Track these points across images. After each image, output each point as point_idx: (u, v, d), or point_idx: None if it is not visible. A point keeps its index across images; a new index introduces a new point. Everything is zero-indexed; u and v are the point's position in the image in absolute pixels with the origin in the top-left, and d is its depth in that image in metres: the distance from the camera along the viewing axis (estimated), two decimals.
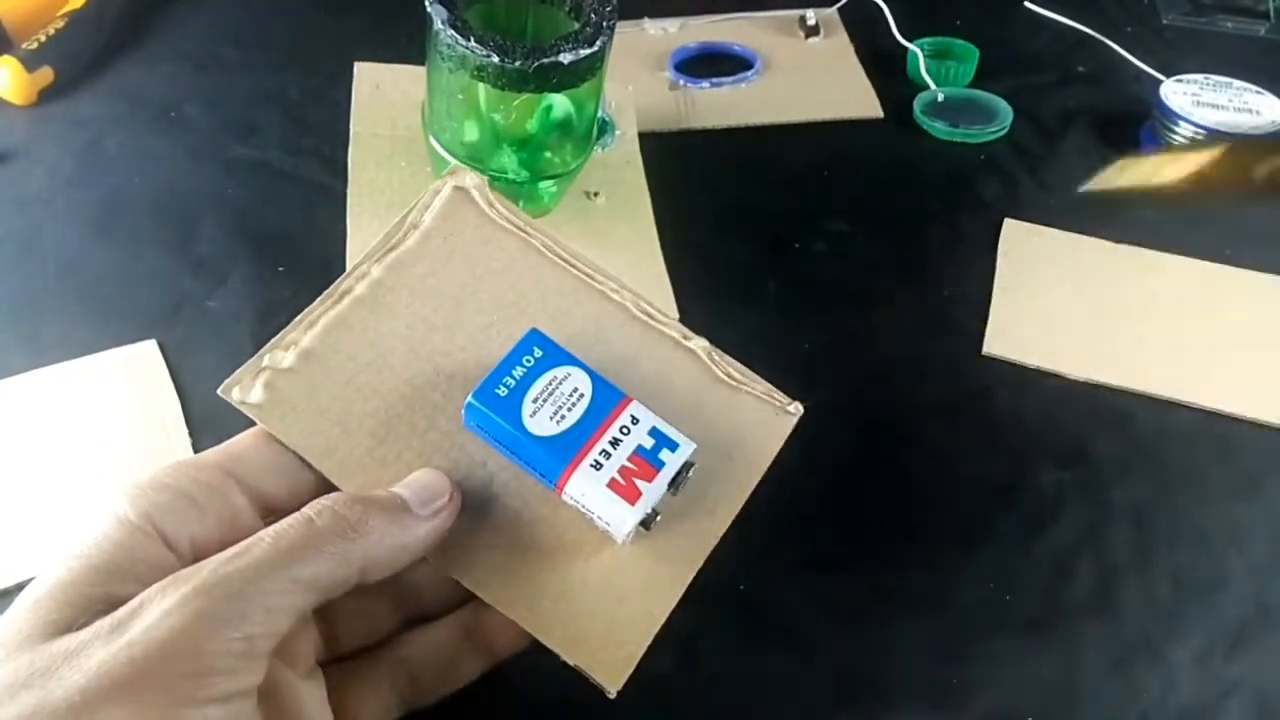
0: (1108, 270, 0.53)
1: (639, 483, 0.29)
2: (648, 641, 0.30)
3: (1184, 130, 0.59)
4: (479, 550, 0.30)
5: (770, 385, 0.35)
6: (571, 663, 0.29)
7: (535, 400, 0.30)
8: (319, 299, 0.33)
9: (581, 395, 0.31)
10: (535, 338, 0.31)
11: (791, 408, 0.34)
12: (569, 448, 0.30)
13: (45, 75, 0.62)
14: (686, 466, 0.30)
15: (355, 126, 0.56)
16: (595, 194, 0.54)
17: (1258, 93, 0.61)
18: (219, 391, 0.31)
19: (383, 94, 0.58)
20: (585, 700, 0.29)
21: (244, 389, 0.31)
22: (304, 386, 0.31)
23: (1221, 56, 0.68)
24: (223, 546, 0.26)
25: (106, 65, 0.64)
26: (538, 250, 0.35)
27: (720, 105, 0.63)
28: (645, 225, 0.53)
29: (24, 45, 0.62)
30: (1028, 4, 0.75)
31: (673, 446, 0.30)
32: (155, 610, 0.24)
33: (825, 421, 0.41)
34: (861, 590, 0.36)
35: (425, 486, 0.30)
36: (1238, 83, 0.62)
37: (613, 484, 0.29)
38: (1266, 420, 0.46)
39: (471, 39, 0.43)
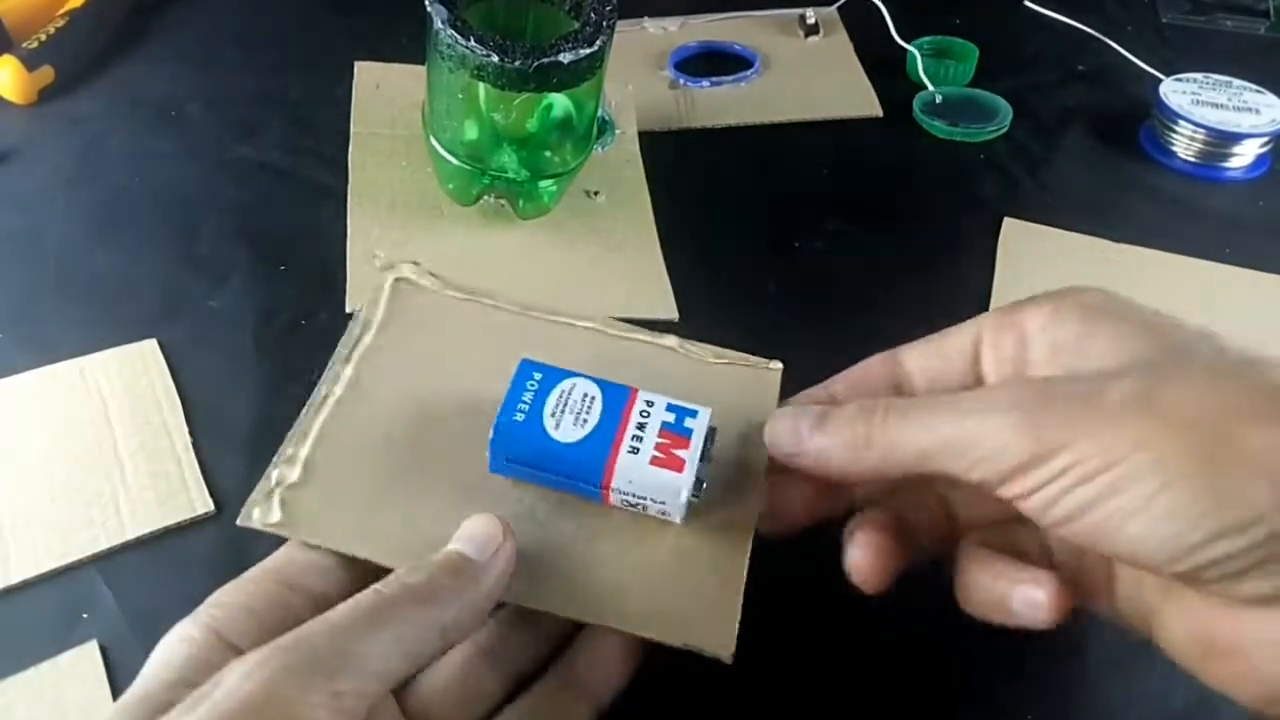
0: (1107, 269, 0.53)
1: (677, 452, 0.31)
2: (739, 603, 0.31)
3: (1184, 129, 0.59)
4: (550, 579, 0.31)
5: (743, 353, 0.37)
6: (680, 645, 0.30)
7: (553, 414, 0.31)
8: (303, 412, 0.34)
9: (593, 398, 0.32)
10: (529, 365, 0.33)
11: (772, 365, 0.37)
12: (602, 443, 0.31)
13: (46, 74, 0.62)
14: (711, 431, 0.32)
15: (355, 126, 0.56)
16: (595, 193, 0.54)
17: (1258, 92, 0.61)
18: (239, 523, 0.31)
19: (383, 93, 0.58)
20: None
21: (263, 511, 0.31)
22: (318, 491, 0.32)
23: (1221, 55, 0.68)
24: None
25: (107, 64, 0.64)
26: (492, 307, 0.38)
27: (720, 104, 0.63)
28: (645, 224, 0.53)
29: (24, 44, 0.62)
30: (1027, 3, 0.75)
31: (692, 414, 0.32)
32: (235, 674, 0.24)
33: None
34: (861, 591, 0.37)
35: (478, 532, 0.30)
36: (1238, 82, 0.62)
37: (655, 460, 0.31)
38: None
39: (471, 39, 0.43)
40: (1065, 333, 0.28)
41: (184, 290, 0.49)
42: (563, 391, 0.32)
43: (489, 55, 0.43)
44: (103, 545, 0.38)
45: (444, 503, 0.32)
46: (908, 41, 0.67)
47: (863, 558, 0.31)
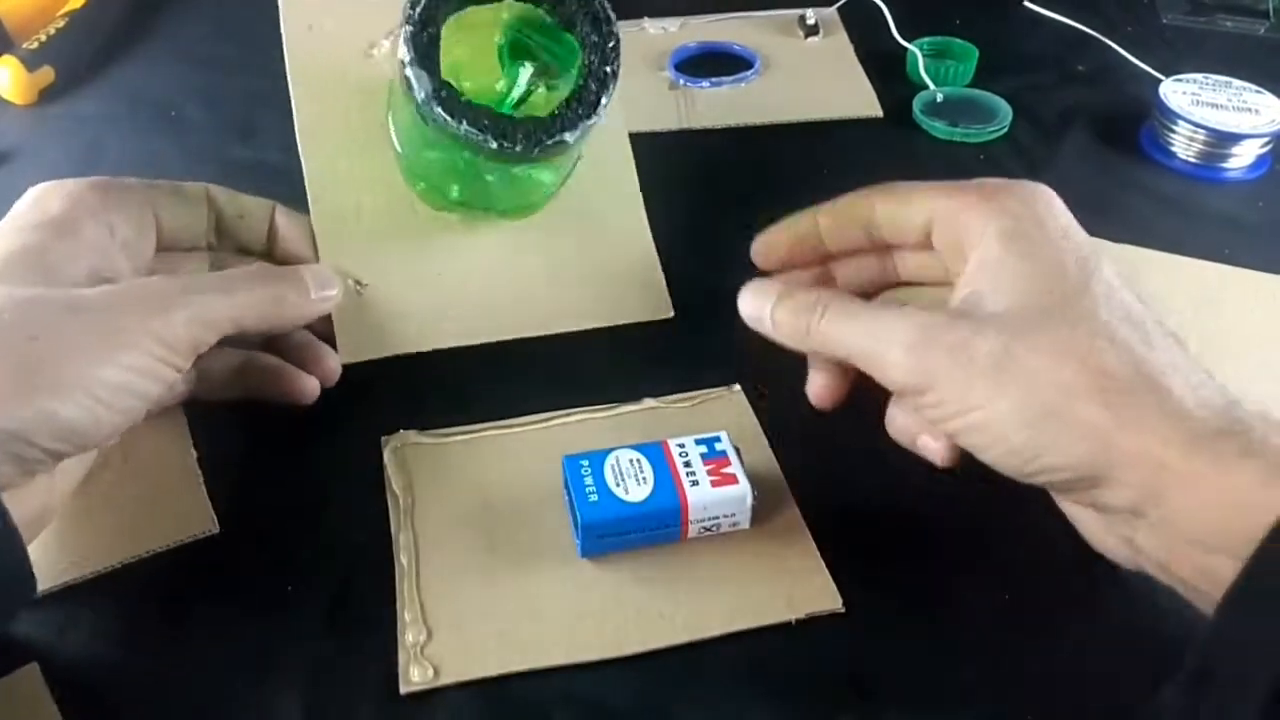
0: None
1: (726, 471, 0.37)
2: (823, 566, 0.37)
3: (1184, 130, 0.59)
4: (675, 607, 0.36)
5: (705, 389, 0.44)
6: (797, 618, 0.35)
7: (618, 485, 0.37)
8: (397, 582, 0.37)
9: (638, 459, 0.37)
10: (572, 460, 0.38)
11: (733, 388, 0.45)
12: (668, 489, 0.36)
13: (45, 75, 0.62)
14: (737, 450, 0.38)
15: (297, 92, 0.47)
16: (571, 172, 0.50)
17: (1257, 92, 0.61)
18: (403, 691, 0.34)
19: (318, 35, 0.47)
20: None
21: (420, 671, 0.34)
22: (447, 638, 0.35)
23: (1221, 56, 0.68)
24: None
25: (107, 65, 0.64)
26: (492, 434, 0.42)
27: (720, 105, 0.63)
28: (637, 221, 0.51)
29: (24, 45, 0.62)
30: (1027, 3, 0.75)
31: (716, 439, 0.38)
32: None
33: (826, 420, 0.41)
34: (861, 586, 0.37)
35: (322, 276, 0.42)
36: (1237, 82, 0.62)
37: (715, 483, 0.37)
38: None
39: (464, 122, 0.39)
40: (989, 253, 0.35)
41: None
42: (613, 465, 0.37)
43: (484, 139, 0.40)
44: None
45: (547, 594, 0.36)
46: (908, 42, 0.67)
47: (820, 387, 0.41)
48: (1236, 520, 0.29)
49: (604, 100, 0.41)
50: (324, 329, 0.44)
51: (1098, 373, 0.31)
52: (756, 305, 0.39)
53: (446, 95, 0.39)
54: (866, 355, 0.36)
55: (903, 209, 0.39)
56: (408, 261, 0.46)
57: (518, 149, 0.40)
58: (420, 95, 0.39)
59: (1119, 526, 0.33)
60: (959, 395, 0.33)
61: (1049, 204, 0.36)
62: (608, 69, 0.41)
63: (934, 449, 0.37)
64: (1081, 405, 0.31)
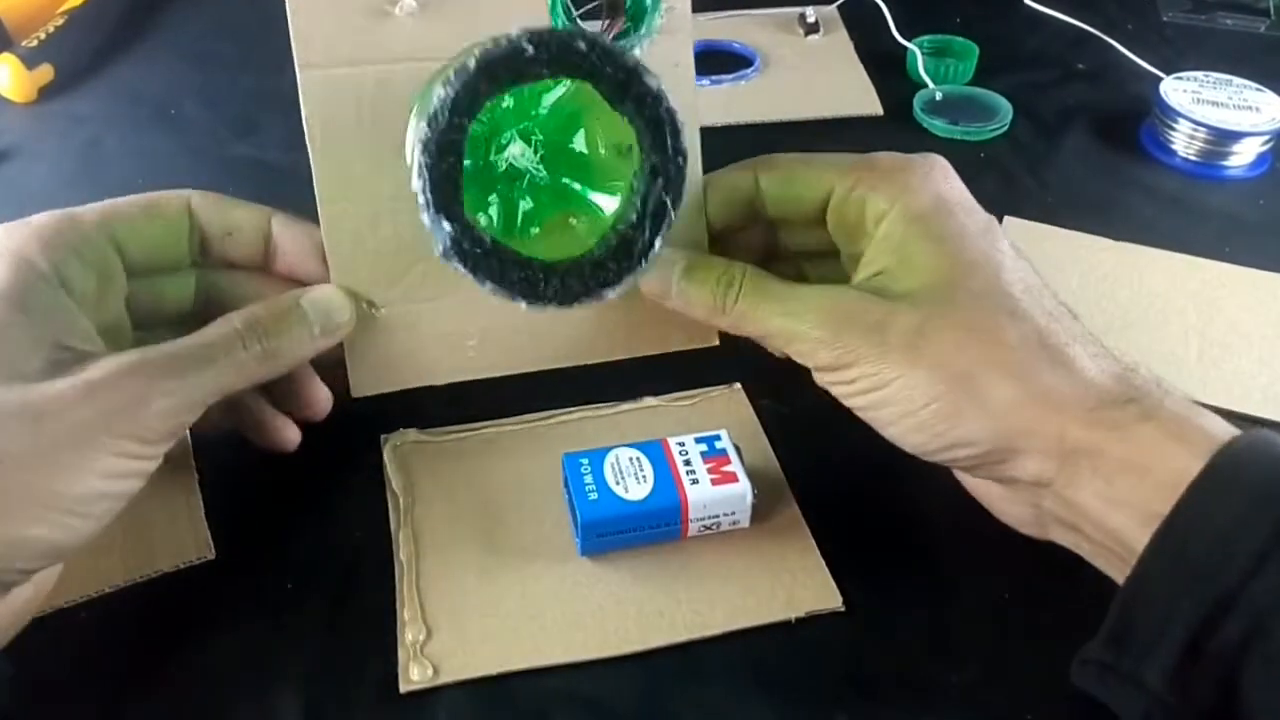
0: (1107, 268, 0.53)
1: (726, 469, 0.37)
2: (823, 565, 0.37)
3: (1184, 128, 0.59)
4: (675, 605, 0.36)
5: (702, 389, 0.44)
6: (797, 616, 0.35)
7: (618, 483, 0.36)
8: (396, 580, 0.36)
9: (637, 458, 0.37)
10: (571, 457, 0.37)
11: (735, 386, 0.44)
12: (668, 487, 0.36)
13: (45, 73, 0.62)
14: (737, 448, 0.38)
15: (305, 79, 0.38)
16: None
17: (1258, 90, 0.61)
18: (402, 689, 0.33)
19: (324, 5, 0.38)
20: None
21: (419, 669, 0.34)
22: (446, 637, 0.35)
23: (1222, 54, 0.68)
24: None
25: (106, 63, 0.64)
26: (490, 434, 0.42)
27: (720, 103, 0.63)
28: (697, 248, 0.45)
29: (24, 43, 0.62)
30: (1027, 1, 0.75)
31: (716, 438, 0.38)
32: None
33: (827, 419, 0.41)
34: (861, 586, 0.37)
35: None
36: (1238, 80, 0.61)
37: (715, 481, 0.37)
38: (1267, 416, 0.46)
39: (488, 282, 0.33)
40: (893, 232, 0.35)
41: None
42: (613, 463, 0.37)
43: (514, 297, 0.34)
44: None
45: (547, 593, 0.36)
46: (908, 40, 0.67)
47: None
48: (1139, 484, 0.30)
49: (657, 245, 0.33)
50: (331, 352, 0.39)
51: (1003, 347, 0.32)
52: (660, 276, 0.37)
53: (469, 247, 0.32)
54: (782, 337, 0.36)
55: (791, 187, 0.39)
56: (429, 281, 0.39)
57: (549, 308, 0.34)
58: (438, 247, 0.32)
59: (1025, 495, 0.34)
60: (873, 372, 0.33)
61: (946, 177, 0.37)
62: (667, 200, 0.32)
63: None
64: (988, 381, 0.32)
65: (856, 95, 0.65)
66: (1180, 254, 0.53)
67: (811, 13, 0.71)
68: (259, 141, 0.58)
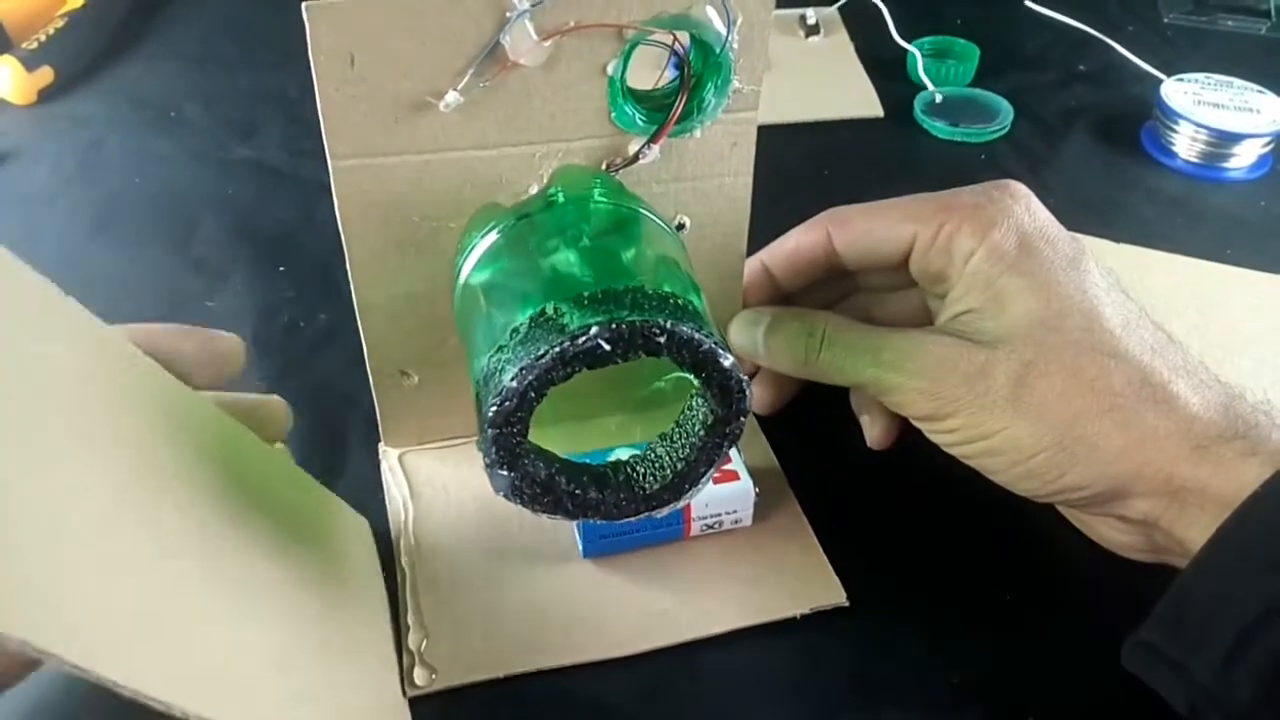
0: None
1: (727, 467, 0.37)
2: (826, 561, 0.37)
3: (1185, 130, 0.59)
4: (679, 605, 0.36)
5: None
6: (801, 613, 0.35)
7: None
8: (399, 587, 0.36)
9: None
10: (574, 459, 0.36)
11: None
12: None
13: (45, 75, 0.62)
14: (738, 447, 0.36)
15: (333, 152, 0.33)
16: None
17: (1259, 92, 0.61)
18: (409, 696, 0.33)
19: (360, 73, 0.32)
20: None
21: (422, 674, 0.34)
22: (449, 642, 0.35)
23: (1223, 55, 0.68)
24: None
25: (106, 65, 0.64)
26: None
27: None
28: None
29: (24, 45, 0.62)
30: (1028, 3, 0.75)
31: None
32: None
33: (827, 419, 0.41)
34: (862, 584, 0.36)
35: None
36: (1239, 82, 0.61)
37: (716, 479, 0.36)
38: None
39: (544, 514, 0.32)
40: (979, 272, 0.35)
41: (183, 290, 0.49)
42: None
43: (565, 520, 0.34)
44: None
45: (550, 596, 0.36)
46: (908, 41, 0.67)
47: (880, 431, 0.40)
48: None
49: (709, 474, 0.33)
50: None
51: (1108, 393, 0.32)
52: (748, 334, 0.38)
53: (527, 489, 0.32)
54: (878, 388, 0.35)
55: (869, 241, 0.38)
56: (462, 354, 0.36)
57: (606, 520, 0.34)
58: (499, 490, 0.32)
59: (1138, 529, 0.34)
60: (977, 422, 0.33)
61: (1028, 207, 0.36)
62: (722, 447, 0.33)
63: (872, 433, 0.40)
64: (1096, 429, 0.32)
65: (857, 97, 0.65)
66: (1181, 255, 0.53)
67: (812, 14, 0.71)
68: (259, 143, 0.58)
